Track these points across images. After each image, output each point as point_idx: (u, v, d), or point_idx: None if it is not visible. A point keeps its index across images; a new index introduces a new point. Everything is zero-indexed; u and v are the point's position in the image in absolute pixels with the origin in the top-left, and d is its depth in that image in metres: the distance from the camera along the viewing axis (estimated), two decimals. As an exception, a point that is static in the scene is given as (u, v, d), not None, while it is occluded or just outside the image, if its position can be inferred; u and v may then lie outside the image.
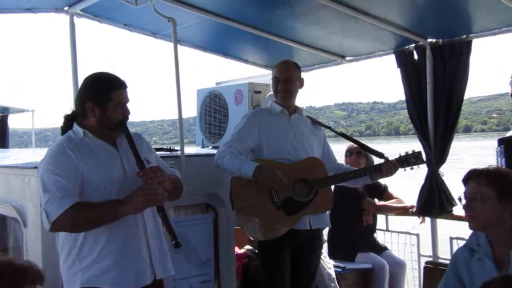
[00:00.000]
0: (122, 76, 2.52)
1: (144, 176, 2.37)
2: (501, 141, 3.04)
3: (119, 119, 2.46)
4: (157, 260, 2.47)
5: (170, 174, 2.64)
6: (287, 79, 3.42)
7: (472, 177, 2.30)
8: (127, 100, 2.51)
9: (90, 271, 2.36)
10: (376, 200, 4.78)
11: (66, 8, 4.70)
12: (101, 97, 2.44)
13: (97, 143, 2.47)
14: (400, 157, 3.43)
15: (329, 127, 3.73)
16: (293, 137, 3.41)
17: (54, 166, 2.34)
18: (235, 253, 3.88)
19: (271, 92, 4.78)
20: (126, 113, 2.48)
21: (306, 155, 3.39)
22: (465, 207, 2.30)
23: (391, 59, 4.67)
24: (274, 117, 3.47)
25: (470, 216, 2.29)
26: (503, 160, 2.93)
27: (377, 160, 3.69)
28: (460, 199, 2.36)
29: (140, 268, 2.41)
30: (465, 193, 2.32)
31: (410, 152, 3.45)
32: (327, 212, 3.55)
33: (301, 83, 3.53)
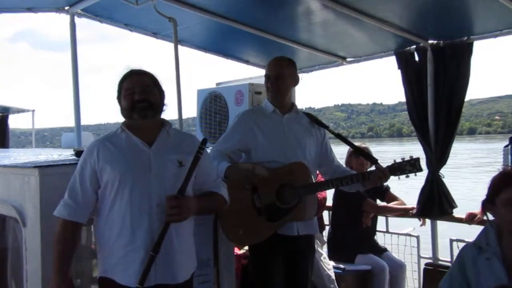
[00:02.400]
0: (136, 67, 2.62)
1: (170, 208, 2.38)
2: None
3: (129, 106, 2.51)
4: (161, 265, 2.44)
5: (209, 192, 2.64)
6: (277, 76, 3.28)
7: None
8: (138, 86, 2.51)
9: (106, 262, 2.47)
10: (378, 201, 4.77)
11: (66, 8, 4.71)
12: (118, 90, 2.58)
13: (130, 140, 2.52)
14: (393, 164, 3.23)
15: (326, 127, 3.53)
16: (283, 139, 3.27)
17: (80, 165, 2.51)
18: (235, 253, 3.87)
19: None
20: (135, 97, 2.49)
21: (296, 157, 3.24)
22: None
23: (392, 60, 4.68)
24: (265, 117, 3.33)
25: None
26: None
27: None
28: (486, 202, 2.26)
29: (141, 268, 2.38)
30: (510, 198, 2.20)
31: (406, 158, 3.23)
32: (315, 218, 3.43)
33: (295, 81, 3.39)
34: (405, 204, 4.72)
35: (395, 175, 3.22)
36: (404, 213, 4.66)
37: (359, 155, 4.19)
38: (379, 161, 3.38)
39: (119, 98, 2.56)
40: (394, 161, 3.25)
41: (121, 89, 2.54)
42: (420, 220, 4.63)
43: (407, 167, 3.21)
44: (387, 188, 4.79)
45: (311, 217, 3.34)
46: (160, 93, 2.59)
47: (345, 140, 3.66)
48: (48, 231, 2.73)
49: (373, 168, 3.36)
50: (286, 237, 3.20)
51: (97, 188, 2.47)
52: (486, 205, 2.31)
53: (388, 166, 3.22)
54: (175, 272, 2.51)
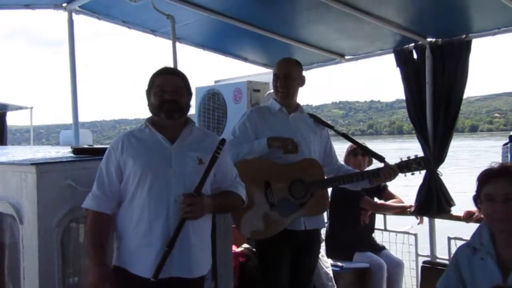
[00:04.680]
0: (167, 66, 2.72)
1: (184, 205, 2.42)
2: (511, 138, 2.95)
3: (157, 103, 2.56)
4: (177, 258, 2.48)
5: (226, 191, 2.68)
6: (286, 76, 3.38)
7: (504, 175, 2.17)
8: (168, 86, 2.57)
9: (122, 251, 2.54)
10: (376, 199, 4.77)
11: (64, 5, 4.70)
12: (149, 85, 2.63)
13: (152, 136, 2.59)
14: (401, 162, 3.35)
15: (331, 127, 3.65)
16: (290, 135, 3.34)
17: (106, 158, 2.60)
18: (233, 251, 3.87)
19: (270, 91, 4.78)
20: (165, 96, 2.55)
21: (302, 155, 3.33)
22: (499, 209, 2.16)
23: (390, 58, 4.67)
24: (272, 115, 3.43)
25: (505, 219, 2.15)
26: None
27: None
28: (476, 198, 2.25)
29: (157, 260, 2.42)
30: (488, 193, 2.20)
31: (412, 157, 3.36)
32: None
33: (301, 81, 3.49)
34: (403, 202, 4.73)
35: (402, 172, 3.35)
36: (402, 211, 4.66)
37: (365, 153, 4.21)
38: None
39: (148, 92, 2.63)
40: (401, 159, 3.37)
41: (153, 84, 2.60)
42: (417, 218, 4.63)
43: (413, 164, 3.35)
44: (385, 186, 4.80)
45: (322, 212, 3.49)
46: (188, 95, 2.66)
47: (351, 139, 3.83)
48: (45, 229, 2.73)
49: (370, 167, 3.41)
50: (294, 231, 3.29)
51: (121, 180, 2.55)
52: (476, 200, 2.31)
53: (396, 164, 3.35)
54: (191, 266, 2.55)
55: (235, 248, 4.06)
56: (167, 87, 2.56)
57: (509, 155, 2.85)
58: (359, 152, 4.50)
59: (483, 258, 2.22)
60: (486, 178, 2.23)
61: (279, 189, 3.23)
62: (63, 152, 3.72)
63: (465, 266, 2.27)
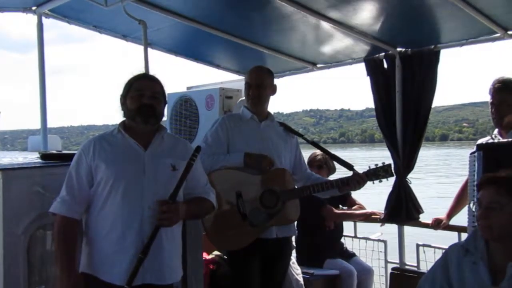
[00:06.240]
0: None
1: (159, 212, 2.42)
2: (479, 147, 2.96)
3: (135, 107, 2.53)
4: (150, 265, 2.46)
5: (198, 196, 2.70)
6: (259, 85, 3.40)
7: (491, 184, 2.19)
8: (147, 91, 2.55)
9: (92, 258, 2.47)
10: (340, 206, 4.79)
11: (34, 8, 4.62)
12: (126, 89, 2.59)
13: (125, 141, 2.55)
14: (369, 170, 3.40)
15: (301, 135, 3.69)
16: (260, 144, 3.37)
17: (75, 162, 2.53)
18: (203, 258, 3.85)
19: (242, 98, 4.79)
20: (143, 100, 2.52)
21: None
22: (480, 215, 2.18)
23: (360, 67, 4.73)
24: (243, 123, 3.44)
25: (484, 225, 2.16)
26: (479, 167, 2.84)
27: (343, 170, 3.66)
28: (472, 204, 2.27)
29: (130, 267, 2.39)
30: (479, 199, 2.22)
31: (380, 164, 3.41)
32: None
33: (273, 90, 3.51)
34: (364, 209, 4.78)
35: (370, 180, 3.40)
36: (365, 218, 4.72)
37: (334, 161, 4.23)
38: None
39: (124, 97, 2.59)
40: (369, 167, 3.42)
41: (130, 89, 2.57)
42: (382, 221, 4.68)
43: (381, 172, 3.40)
44: (348, 193, 4.80)
45: (293, 221, 3.50)
46: (164, 103, 2.65)
47: (320, 147, 3.88)
48: (10, 235, 2.67)
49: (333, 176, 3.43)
50: (265, 239, 3.29)
51: (92, 185, 2.49)
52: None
53: (364, 172, 3.39)
54: (163, 273, 2.54)
55: (206, 255, 4.04)
56: (147, 92, 2.55)
57: (476, 164, 2.87)
58: (315, 165, 4.55)
59: (476, 263, 2.21)
60: (480, 184, 2.26)
61: (250, 199, 3.23)
62: (31, 157, 3.65)
63: (454, 265, 2.26)
